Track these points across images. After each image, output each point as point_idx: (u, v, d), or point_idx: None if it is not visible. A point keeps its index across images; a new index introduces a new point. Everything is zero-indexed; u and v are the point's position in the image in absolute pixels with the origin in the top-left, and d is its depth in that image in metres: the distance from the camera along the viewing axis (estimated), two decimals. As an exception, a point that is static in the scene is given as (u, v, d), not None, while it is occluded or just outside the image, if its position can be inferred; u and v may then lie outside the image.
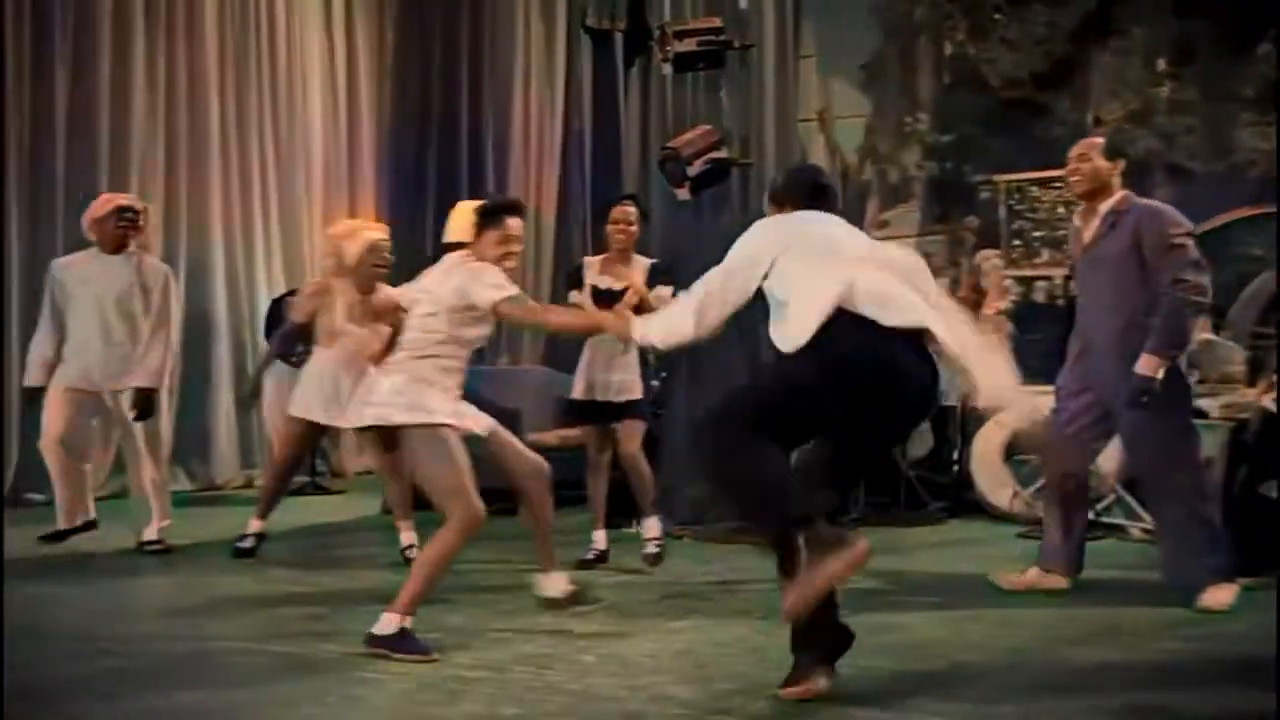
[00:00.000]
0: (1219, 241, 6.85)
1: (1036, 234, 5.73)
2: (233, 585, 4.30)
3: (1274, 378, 4.61)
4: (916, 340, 2.79)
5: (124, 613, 3.99)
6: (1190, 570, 3.90)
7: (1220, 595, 3.85)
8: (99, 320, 4.73)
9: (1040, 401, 4.40)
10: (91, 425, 4.96)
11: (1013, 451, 6.01)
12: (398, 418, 3.35)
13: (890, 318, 2.74)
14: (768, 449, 2.65)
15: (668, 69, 5.35)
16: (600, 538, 4.73)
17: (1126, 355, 3.85)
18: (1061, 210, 5.68)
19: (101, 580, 4.39)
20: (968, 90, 7.78)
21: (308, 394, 4.73)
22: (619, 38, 7.14)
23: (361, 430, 3.55)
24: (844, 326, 2.71)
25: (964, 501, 6.08)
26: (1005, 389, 2.91)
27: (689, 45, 5.15)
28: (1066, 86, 7.42)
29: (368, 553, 4.97)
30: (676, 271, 4.59)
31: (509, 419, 5.99)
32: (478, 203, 3.65)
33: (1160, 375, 3.79)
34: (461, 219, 3.57)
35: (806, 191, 3.05)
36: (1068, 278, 5.76)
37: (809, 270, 2.79)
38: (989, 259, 6.92)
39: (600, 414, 4.64)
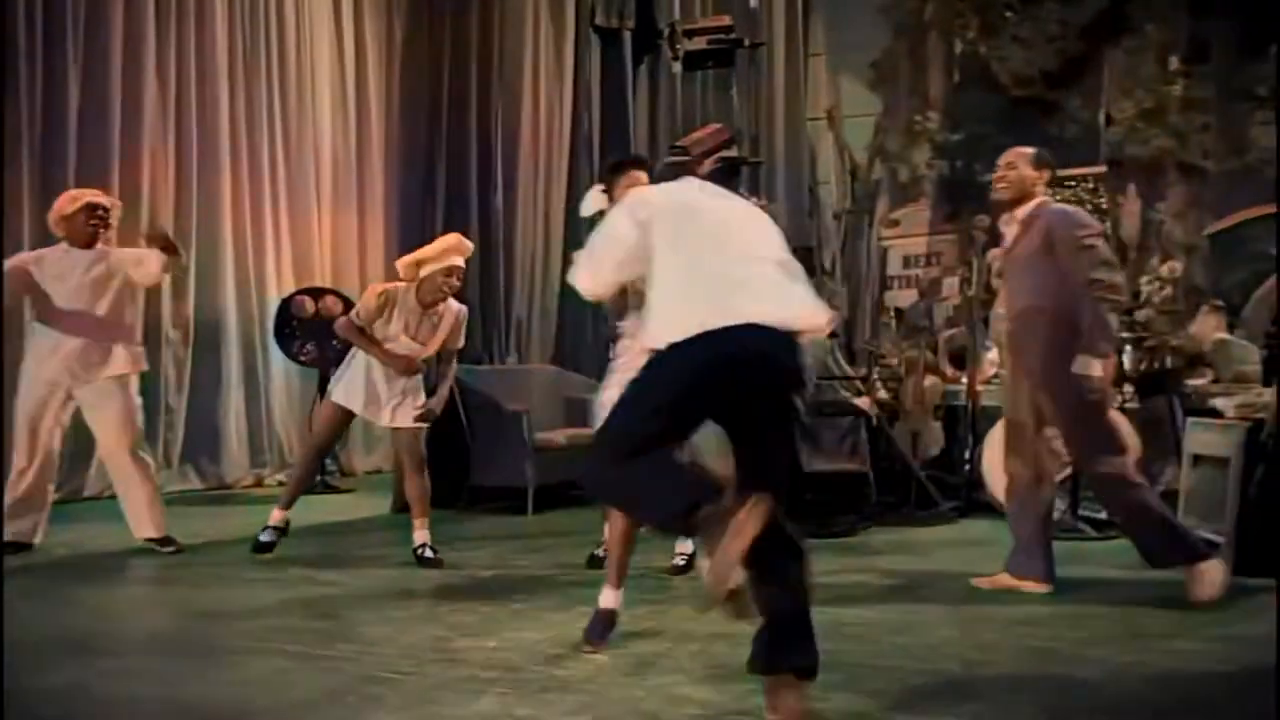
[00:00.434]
0: (1233, 241, 6.84)
1: (1049, 232, 5.69)
2: (245, 585, 4.30)
3: (1290, 377, 4.58)
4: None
5: (135, 613, 3.99)
6: (1162, 559, 4.02)
7: (1205, 582, 3.91)
8: (71, 315, 4.68)
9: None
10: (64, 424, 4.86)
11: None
12: None
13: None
14: (634, 460, 2.52)
15: (678, 67, 5.34)
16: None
17: (1053, 352, 3.98)
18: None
19: (111, 580, 4.39)
20: (978, 88, 7.76)
21: (354, 385, 4.76)
22: (628, 36, 7.13)
23: None
24: None
25: (975, 501, 6.05)
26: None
27: (699, 43, 5.13)
28: (1078, 84, 7.40)
29: (379, 552, 4.97)
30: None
31: (518, 418, 6.04)
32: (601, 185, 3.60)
33: (1099, 372, 3.92)
34: (593, 195, 3.53)
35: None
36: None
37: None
38: (1000, 258, 6.89)
39: None
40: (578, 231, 7.24)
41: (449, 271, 4.69)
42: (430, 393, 4.83)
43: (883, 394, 6.49)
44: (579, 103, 7.28)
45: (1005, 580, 4.16)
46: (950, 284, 7.51)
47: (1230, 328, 6.30)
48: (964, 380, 6.16)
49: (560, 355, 6.95)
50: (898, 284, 8.02)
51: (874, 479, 5.71)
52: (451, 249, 4.77)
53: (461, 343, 4.88)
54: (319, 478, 7.02)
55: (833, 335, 6.35)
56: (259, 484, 7.30)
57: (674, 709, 2.81)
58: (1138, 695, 2.99)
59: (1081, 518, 5.39)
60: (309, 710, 2.84)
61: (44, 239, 6.04)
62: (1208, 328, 6.21)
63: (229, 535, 5.43)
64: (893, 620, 3.64)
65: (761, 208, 3.56)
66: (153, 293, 6.81)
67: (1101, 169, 6.03)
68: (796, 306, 2.68)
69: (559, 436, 6.05)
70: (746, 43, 5.36)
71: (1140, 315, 6.51)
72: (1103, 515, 5.43)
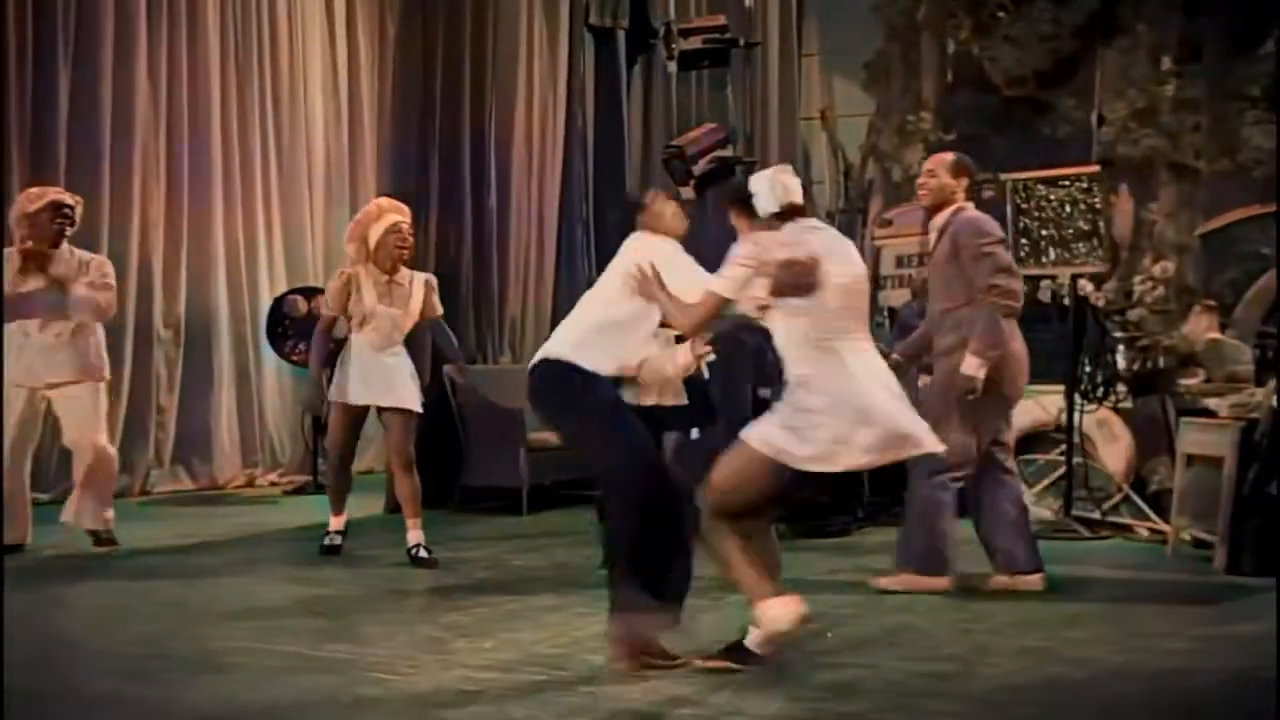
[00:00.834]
0: (1224, 240, 6.85)
1: (1043, 233, 5.70)
2: (238, 585, 4.28)
3: (1282, 376, 4.60)
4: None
5: (127, 614, 3.97)
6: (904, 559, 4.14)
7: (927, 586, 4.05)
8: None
9: None
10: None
11: (1019, 451, 5.98)
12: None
13: None
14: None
15: (672, 66, 5.34)
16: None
17: (946, 353, 4.15)
18: (1068, 209, 5.64)
19: (103, 582, 4.36)
20: (971, 89, 7.76)
21: (345, 379, 4.76)
22: (622, 36, 7.12)
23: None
24: None
25: (967, 502, 6.05)
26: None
27: (694, 43, 5.13)
28: (1070, 84, 7.40)
29: (373, 552, 4.95)
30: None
31: (513, 417, 6.02)
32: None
33: (981, 375, 4.01)
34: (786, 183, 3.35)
35: None
36: (1074, 278, 5.74)
37: None
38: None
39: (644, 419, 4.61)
40: (571, 231, 7.24)
41: (393, 229, 4.70)
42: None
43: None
44: (573, 102, 7.26)
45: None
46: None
47: (1222, 327, 6.33)
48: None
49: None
50: (891, 284, 8.04)
51: (866, 479, 5.71)
52: (385, 209, 4.82)
53: (441, 309, 4.91)
54: (311, 477, 7.01)
55: None
56: (251, 484, 7.26)
57: (671, 709, 2.81)
58: (1133, 696, 3.00)
59: (1075, 518, 5.40)
60: (304, 711, 2.83)
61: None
62: (1200, 327, 6.23)
63: (221, 535, 5.41)
64: (887, 621, 3.65)
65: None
66: (143, 292, 6.78)
67: (1094, 169, 6.03)
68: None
69: (553, 436, 6.02)
70: (742, 42, 5.35)
71: (1133, 315, 6.54)
72: (1095, 515, 5.46)
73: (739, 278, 3.03)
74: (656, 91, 7.31)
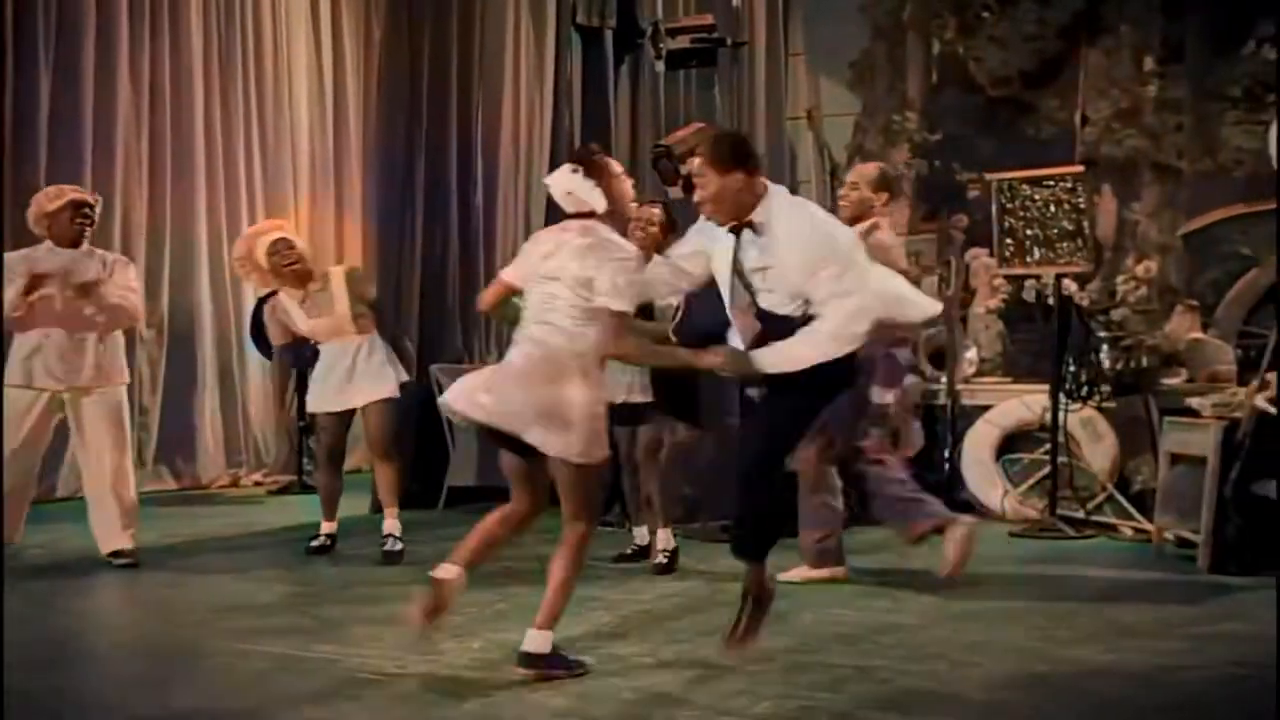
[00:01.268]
0: (1206, 240, 6.88)
1: (1028, 232, 5.73)
2: (223, 585, 4.25)
3: (1266, 377, 4.62)
4: None
5: (114, 615, 3.95)
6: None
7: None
8: (57, 315, 4.52)
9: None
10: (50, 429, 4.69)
11: (1003, 451, 6.02)
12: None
13: None
14: None
15: (660, 66, 5.33)
16: (640, 534, 4.72)
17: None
18: (1052, 209, 5.68)
19: (88, 584, 4.33)
20: (956, 89, 7.77)
21: (318, 388, 4.88)
22: (609, 35, 7.09)
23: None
24: None
25: (955, 500, 6.07)
26: None
27: (682, 42, 5.13)
28: (1054, 85, 7.42)
29: (359, 551, 4.93)
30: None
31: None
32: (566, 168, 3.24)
33: (889, 399, 4.35)
34: (564, 184, 3.16)
35: None
36: (1059, 277, 5.77)
37: None
38: (979, 257, 6.94)
39: (618, 416, 4.63)
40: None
41: (273, 250, 4.78)
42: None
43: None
44: (560, 101, 7.23)
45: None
46: (929, 283, 7.54)
47: (1204, 327, 6.37)
48: (943, 379, 6.19)
49: (541, 354, 6.92)
50: (876, 282, 8.06)
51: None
52: (261, 231, 4.97)
53: (372, 292, 5.01)
54: (296, 477, 6.98)
55: None
56: (235, 484, 7.23)
57: (660, 708, 2.81)
58: (1121, 695, 3.02)
59: (1060, 517, 5.43)
60: (292, 712, 2.82)
61: (16, 244, 5.93)
62: (1182, 327, 6.27)
63: (205, 535, 5.39)
64: (876, 620, 3.66)
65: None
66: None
67: (1078, 169, 6.06)
68: None
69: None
70: (729, 42, 5.35)
71: (1116, 315, 6.57)
72: (1080, 515, 5.48)
73: None
74: (644, 91, 7.28)
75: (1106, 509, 5.59)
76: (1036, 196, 5.70)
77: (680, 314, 4.03)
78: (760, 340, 3.08)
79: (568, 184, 3.10)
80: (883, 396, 4.28)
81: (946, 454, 6.16)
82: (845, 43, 7.99)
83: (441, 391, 6.00)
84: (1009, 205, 5.76)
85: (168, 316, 7.03)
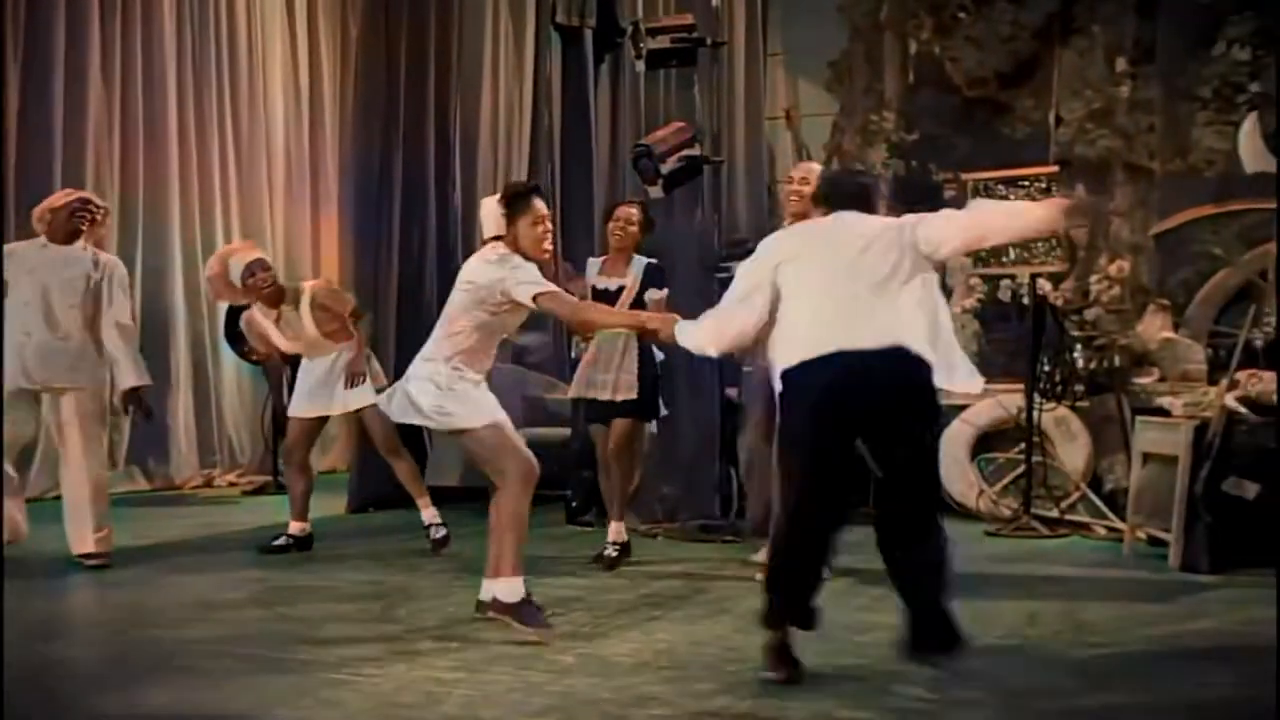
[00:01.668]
0: (1177, 240, 6.96)
1: (1003, 233, 5.77)
2: (197, 587, 4.22)
3: (1236, 376, 4.69)
4: None
5: (85, 616, 3.91)
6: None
7: None
8: (42, 312, 4.47)
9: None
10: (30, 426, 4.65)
11: (979, 450, 6.07)
12: (459, 424, 3.50)
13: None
14: None
15: (640, 65, 5.33)
16: (619, 529, 4.74)
17: None
18: (1028, 209, 5.72)
19: (59, 585, 4.29)
20: (933, 89, 7.81)
21: (298, 392, 4.99)
22: (589, 35, 7.08)
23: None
24: None
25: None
26: None
27: (662, 42, 5.13)
28: (1029, 85, 7.48)
29: (335, 552, 4.91)
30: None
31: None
32: (496, 195, 3.72)
33: None
34: (490, 212, 3.64)
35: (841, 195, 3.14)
36: (1034, 277, 5.81)
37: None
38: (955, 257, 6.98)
39: (595, 412, 4.67)
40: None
41: (247, 273, 4.82)
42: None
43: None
44: (539, 101, 7.22)
45: None
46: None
47: (1175, 327, 6.44)
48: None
49: (519, 354, 6.90)
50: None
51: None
52: (232, 251, 5.03)
53: (349, 302, 5.05)
54: (271, 477, 6.94)
55: None
56: (209, 484, 7.18)
57: (640, 709, 2.82)
58: (1092, 691, 3.05)
59: (1034, 516, 5.48)
60: (266, 714, 2.80)
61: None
62: (1154, 327, 6.34)
63: (179, 536, 5.35)
64: (853, 620, 3.67)
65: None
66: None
67: (1053, 169, 6.11)
68: None
69: (519, 436, 6.00)
70: (709, 41, 5.35)
71: (1089, 314, 6.63)
72: (1054, 514, 5.54)
73: None
74: (624, 90, 7.28)
75: (1080, 508, 5.64)
76: (1012, 196, 5.74)
77: None
78: None
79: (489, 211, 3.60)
80: None
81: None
82: (823, 43, 8.03)
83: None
84: (985, 205, 5.79)
85: (140, 317, 6.95)
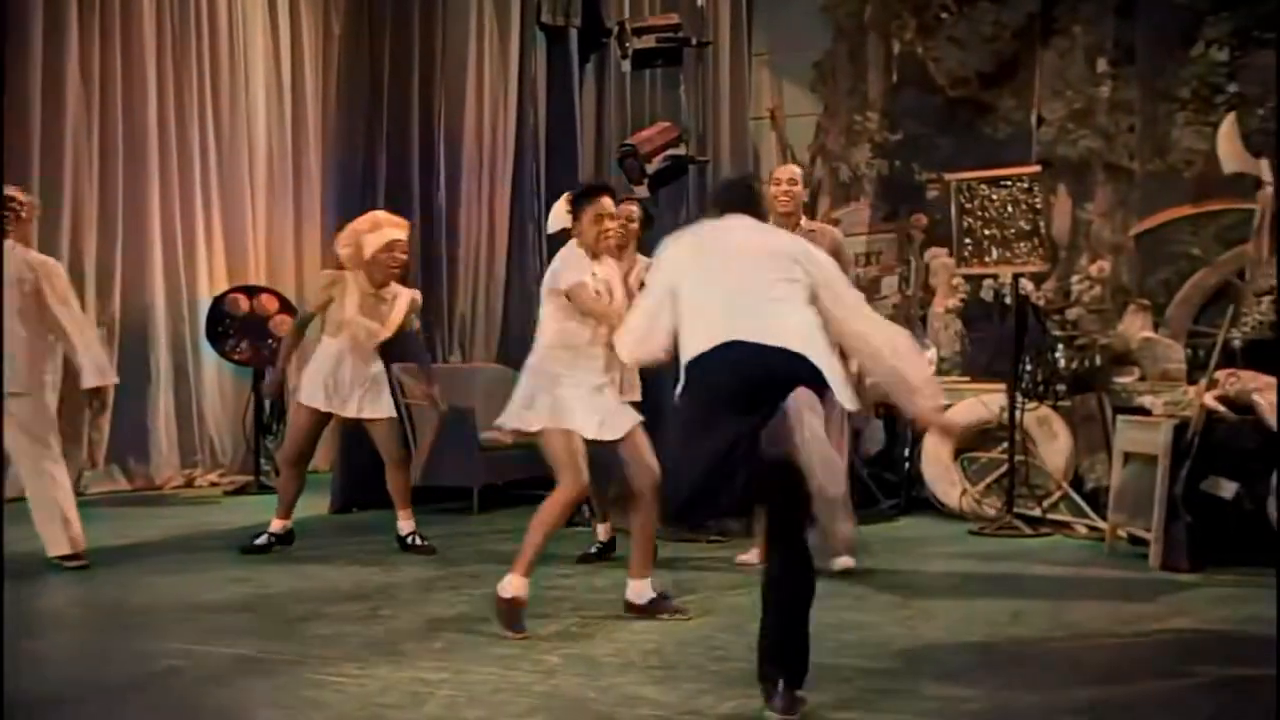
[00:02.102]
0: (1155, 241, 7.03)
1: (986, 232, 5.79)
2: (179, 588, 4.19)
3: (1215, 376, 4.73)
4: None
5: (63, 618, 3.88)
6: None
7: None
8: None
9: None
10: None
11: (962, 450, 6.10)
12: (532, 426, 3.65)
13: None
14: None
15: (626, 65, 5.33)
16: (603, 530, 4.75)
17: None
18: (1010, 209, 5.74)
19: (38, 586, 4.24)
20: (916, 89, 7.85)
21: (314, 382, 4.79)
22: (574, 34, 7.07)
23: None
24: None
25: (915, 499, 6.16)
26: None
27: (648, 42, 5.14)
28: (1011, 85, 7.53)
29: (318, 552, 4.88)
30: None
31: (464, 416, 5.97)
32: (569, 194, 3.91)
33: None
34: (555, 210, 3.87)
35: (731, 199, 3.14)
36: (1016, 277, 5.85)
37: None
38: (938, 257, 7.02)
39: None
40: (523, 229, 7.19)
41: (389, 246, 4.78)
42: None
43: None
44: (524, 100, 7.20)
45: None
46: (889, 283, 7.62)
47: (1155, 326, 6.49)
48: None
49: (505, 354, 6.88)
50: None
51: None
52: (381, 222, 4.86)
53: (417, 324, 5.04)
54: (254, 478, 6.90)
55: None
56: (190, 484, 7.13)
57: (626, 709, 2.82)
58: (1074, 690, 3.08)
59: (1017, 515, 5.51)
60: (252, 714, 2.79)
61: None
62: (1134, 326, 6.39)
63: (160, 536, 5.31)
64: (837, 619, 3.68)
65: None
66: (74, 290, 6.56)
67: (1035, 169, 6.15)
68: None
69: (505, 436, 5.99)
70: (695, 41, 5.36)
71: (1071, 314, 6.68)
72: (1036, 513, 5.57)
73: None
74: (609, 90, 7.28)
75: (1062, 507, 5.68)
76: (994, 196, 5.76)
77: None
78: None
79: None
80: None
81: (907, 453, 6.23)
82: (808, 43, 8.05)
83: (404, 391, 5.99)
84: (968, 205, 5.81)
85: (119, 315, 6.90)
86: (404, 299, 4.90)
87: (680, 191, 5.52)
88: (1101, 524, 5.21)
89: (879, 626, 3.65)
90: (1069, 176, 7.26)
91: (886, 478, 6.29)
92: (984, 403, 6.00)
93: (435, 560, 4.74)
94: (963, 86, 7.66)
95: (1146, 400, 5.25)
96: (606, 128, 7.20)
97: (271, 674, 3.10)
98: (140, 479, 6.94)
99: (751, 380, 2.73)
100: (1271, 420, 4.46)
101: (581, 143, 7.08)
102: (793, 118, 8.10)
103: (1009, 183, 5.84)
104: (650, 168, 5.04)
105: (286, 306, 7.06)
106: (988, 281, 6.80)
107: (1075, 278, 6.98)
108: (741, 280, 2.87)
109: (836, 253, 4.60)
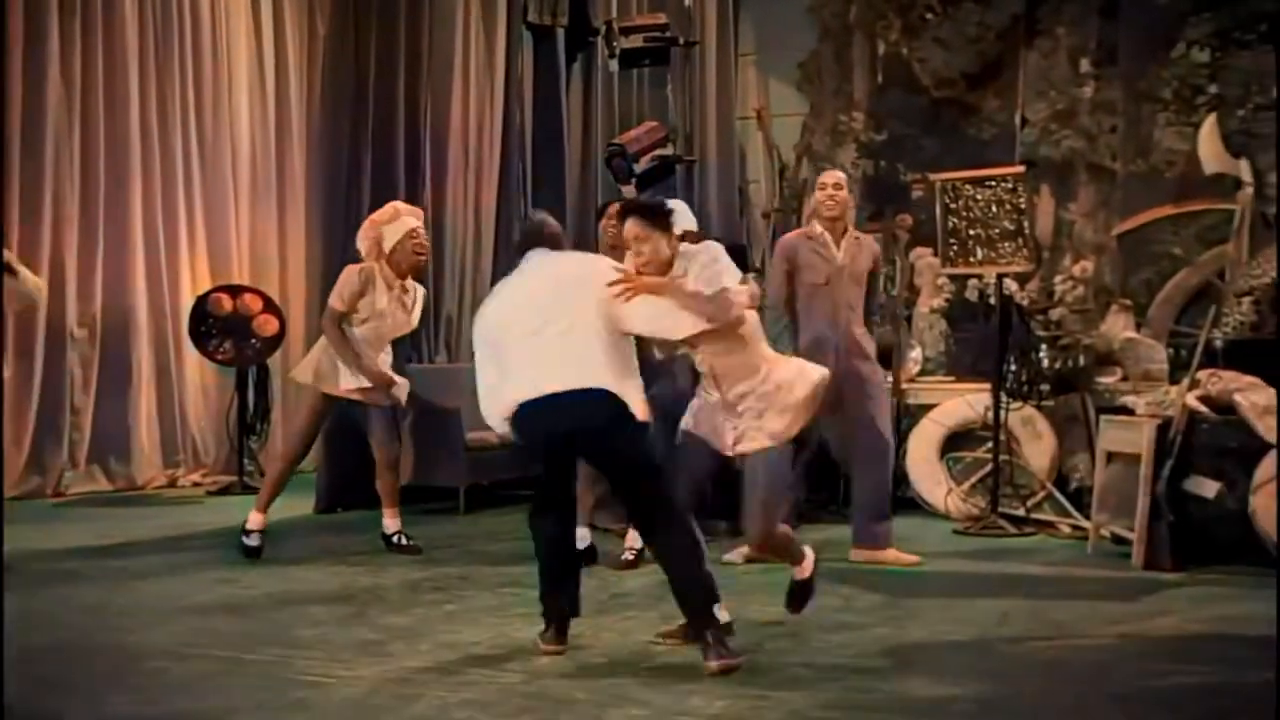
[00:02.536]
0: (1139, 240, 7.07)
1: (971, 232, 5.81)
2: (162, 588, 4.17)
3: (1196, 376, 4.76)
4: None
5: (45, 619, 3.83)
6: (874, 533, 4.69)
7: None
8: None
9: None
10: None
11: (947, 449, 6.12)
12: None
13: None
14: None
15: (614, 65, 5.33)
16: (582, 534, 4.72)
17: (859, 350, 4.78)
18: (994, 209, 5.77)
19: (15, 584, 4.20)
20: (901, 89, 7.88)
21: (333, 368, 4.73)
22: (561, 34, 7.06)
23: None
24: None
25: (901, 498, 6.16)
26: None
27: (635, 41, 5.14)
28: (995, 86, 7.57)
29: (303, 554, 4.86)
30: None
31: (448, 417, 5.95)
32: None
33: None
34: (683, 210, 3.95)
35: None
36: (1000, 277, 5.87)
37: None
38: (923, 257, 7.04)
39: None
40: (509, 229, 7.17)
41: (411, 234, 4.76)
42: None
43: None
44: (510, 100, 7.18)
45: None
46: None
47: (1138, 326, 6.54)
48: (889, 378, 6.27)
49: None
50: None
51: (801, 476, 5.77)
52: (401, 212, 4.86)
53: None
54: (237, 478, 6.86)
55: None
56: (173, 484, 7.08)
57: (614, 710, 2.82)
58: (1059, 689, 3.10)
59: (1001, 515, 5.54)
60: (237, 716, 2.77)
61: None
62: (1117, 327, 6.43)
63: (142, 537, 5.27)
64: (824, 618, 3.70)
65: None
66: (56, 290, 6.54)
67: (1019, 169, 6.18)
68: None
69: (491, 436, 5.98)
70: (682, 41, 5.36)
71: (1054, 314, 6.71)
72: (1020, 513, 5.60)
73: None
74: (596, 90, 7.27)
75: (1046, 506, 5.71)
76: (979, 197, 5.78)
77: None
78: None
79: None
80: None
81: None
82: (794, 44, 8.07)
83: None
84: (952, 205, 5.83)
85: (100, 315, 6.85)
86: (420, 294, 4.92)
87: (668, 191, 5.51)
88: (1085, 523, 5.24)
89: (864, 626, 3.67)
90: (1052, 177, 7.31)
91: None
92: (969, 402, 6.03)
93: (421, 561, 4.73)
94: (947, 87, 7.69)
95: (1129, 400, 5.28)
96: (593, 127, 7.19)
97: (256, 675, 3.08)
98: (122, 479, 6.89)
99: (554, 435, 3.24)
100: (1253, 420, 4.49)
101: (568, 143, 7.07)
102: (779, 117, 8.11)
103: (993, 183, 5.86)
104: (638, 168, 5.04)
105: (270, 306, 7.03)
106: (972, 281, 6.83)
107: (1058, 278, 7.01)
108: (536, 322, 3.23)
109: (876, 262, 4.93)
